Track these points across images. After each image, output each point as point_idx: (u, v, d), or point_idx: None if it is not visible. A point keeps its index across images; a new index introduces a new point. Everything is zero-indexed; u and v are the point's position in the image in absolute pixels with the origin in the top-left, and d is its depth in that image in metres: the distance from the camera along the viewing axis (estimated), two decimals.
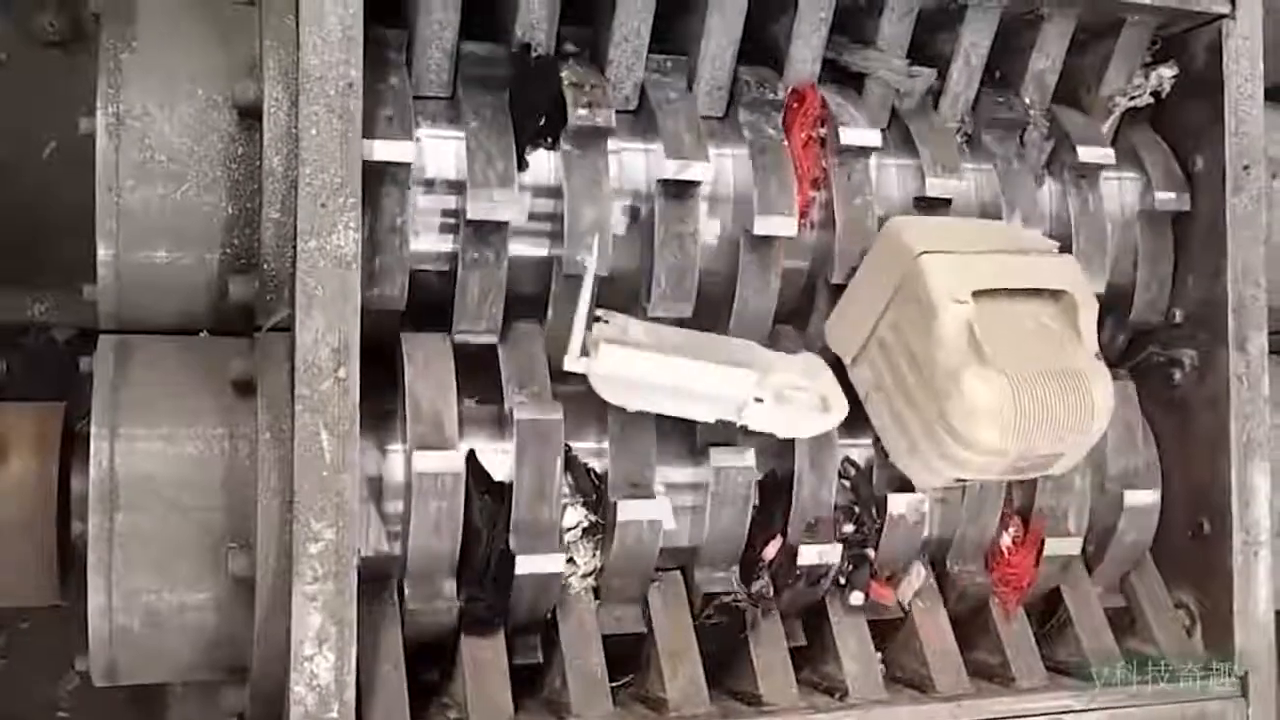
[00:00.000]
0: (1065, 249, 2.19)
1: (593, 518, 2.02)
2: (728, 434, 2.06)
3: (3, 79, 2.76)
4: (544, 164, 2.00)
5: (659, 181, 2.00)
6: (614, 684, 2.01)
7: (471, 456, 1.95)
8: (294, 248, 1.77)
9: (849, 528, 2.13)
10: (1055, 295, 2.04)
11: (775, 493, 2.11)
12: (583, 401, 1.99)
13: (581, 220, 1.97)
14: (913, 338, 1.98)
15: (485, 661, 1.96)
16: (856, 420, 2.10)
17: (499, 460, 1.97)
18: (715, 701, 2.04)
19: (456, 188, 1.96)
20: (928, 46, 2.22)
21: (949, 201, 2.18)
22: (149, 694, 2.59)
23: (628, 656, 2.08)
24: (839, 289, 2.13)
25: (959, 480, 2.08)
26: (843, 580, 2.15)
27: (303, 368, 1.75)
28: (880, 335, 2.04)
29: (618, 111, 2.00)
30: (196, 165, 1.92)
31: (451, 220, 1.97)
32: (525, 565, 1.93)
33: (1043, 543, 2.23)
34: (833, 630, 2.16)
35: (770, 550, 2.10)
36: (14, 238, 2.65)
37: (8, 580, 1.98)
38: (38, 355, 2.82)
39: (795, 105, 2.13)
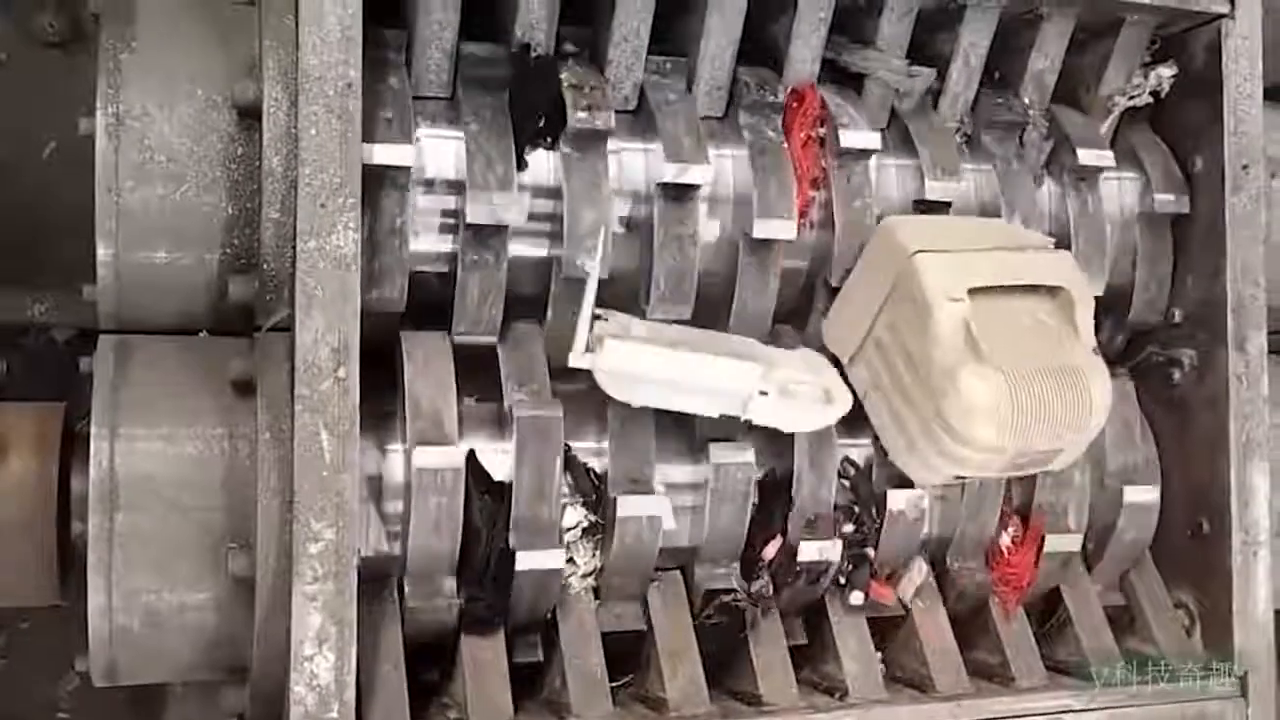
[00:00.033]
0: (1064, 249, 2.19)
1: (592, 518, 2.02)
2: (727, 431, 2.06)
3: (3, 79, 2.76)
4: (543, 164, 2.00)
5: (658, 184, 2.00)
6: (614, 684, 2.02)
7: (471, 456, 1.95)
8: (294, 248, 1.77)
9: (849, 527, 2.13)
10: (1051, 291, 2.04)
11: (775, 492, 2.11)
12: (582, 401, 1.99)
13: (581, 223, 1.97)
14: (909, 337, 1.98)
15: (485, 661, 1.96)
16: (856, 419, 2.10)
17: (499, 460, 1.97)
18: (715, 701, 2.04)
19: (456, 188, 1.96)
20: (927, 46, 2.22)
21: (949, 204, 2.18)
22: (149, 694, 2.60)
23: (628, 656, 2.09)
24: (838, 289, 2.13)
25: (958, 478, 2.08)
26: (842, 580, 2.15)
27: (302, 368, 1.75)
28: (877, 335, 2.04)
29: (617, 112, 2.00)
30: (196, 165, 1.93)
31: (451, 221, 1.97)
32: (525, 561, 1.93)
33: (1042, 541, 2.23)
34: (833, 630, 2.16)
35: (770, 549, 2.10)
36: (14, 238, 2.65)
37: (8, 580, 1.98)
38: (38, 355, 2.82)
39: (795, 105, 2.13)
